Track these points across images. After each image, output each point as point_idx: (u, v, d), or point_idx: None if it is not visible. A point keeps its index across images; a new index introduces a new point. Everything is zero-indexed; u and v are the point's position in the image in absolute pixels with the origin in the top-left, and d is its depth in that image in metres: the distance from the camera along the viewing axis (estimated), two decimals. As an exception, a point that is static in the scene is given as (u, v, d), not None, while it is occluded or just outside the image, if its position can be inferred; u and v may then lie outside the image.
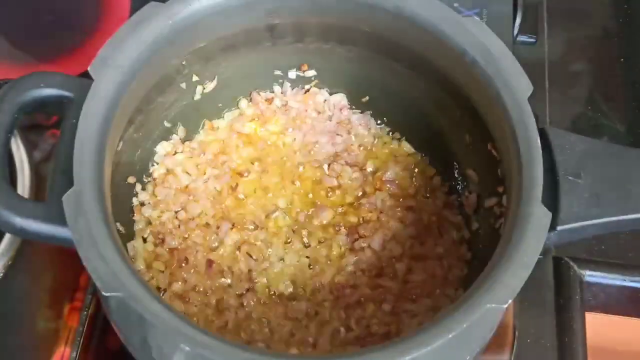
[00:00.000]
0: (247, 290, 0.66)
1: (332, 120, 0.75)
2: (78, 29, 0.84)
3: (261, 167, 0.72)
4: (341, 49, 0.71)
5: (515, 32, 0.86)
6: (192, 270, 0.66)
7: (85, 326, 0.70)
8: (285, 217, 0.70)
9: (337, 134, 0.74)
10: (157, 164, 0.71)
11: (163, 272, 0.66)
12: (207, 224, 0.69)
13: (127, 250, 0.64)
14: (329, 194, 0.71)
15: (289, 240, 0.69)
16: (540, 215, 0.53)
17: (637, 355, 0.80)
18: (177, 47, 0.64)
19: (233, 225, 0.69)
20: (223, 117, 0.75)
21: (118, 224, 0.62)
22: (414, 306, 0.65)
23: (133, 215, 0.69)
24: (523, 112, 0.56)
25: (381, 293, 0.66)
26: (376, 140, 0.75)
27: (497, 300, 0.50)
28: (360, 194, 0.72)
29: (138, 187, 0.70)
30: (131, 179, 0.69)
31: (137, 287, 0.50)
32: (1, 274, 0.60)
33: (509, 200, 0.57)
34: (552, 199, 0.55)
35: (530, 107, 0.57)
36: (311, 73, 0.75)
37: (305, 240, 0.69)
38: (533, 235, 0.52)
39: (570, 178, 0.56)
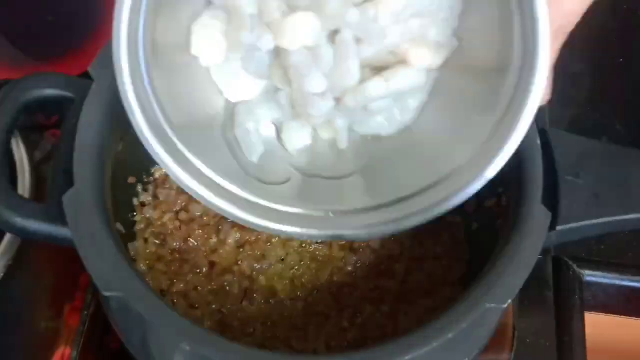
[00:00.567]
0: (247, 290, 0.66)
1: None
2: (78, 29, 0.84)
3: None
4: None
5: (515, 32, 0.86)
6: (193, 271, 0.67)
7: (86, 326, 0.70)
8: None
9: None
10: (158, 164, 0.71)
11: (165, 273, 0.66)
12: (208, 224, 0.69)
13: (128, 250, 0.64)
14: None
15: (289, 240, 0.69)
16: (540, 215, 0.53)
17: (637, 355, 0.80)
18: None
19: (234, 225, 0.69)
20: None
21: (118, 224, 0.62)
22: (413, 306, 0.65)
23: (133, 216, 0.69)
24: (523, 112, 0.56)
25: (380, 293, 0.66)
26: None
27: (497, 300, 0.50)
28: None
29: (139, 187, 0.70)
30: (132, 179, 0.69)
31: (137, 287, 0.50)
32: (1, 274, 0.60)
33: (509, 201, 0.57)
34: (551, 199, 0.55)
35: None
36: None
37: (305, 240, 0.70)
38: (533, 236, 0.52)
39: (570, 178, 0.56)
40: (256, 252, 0.68)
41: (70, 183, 0.52)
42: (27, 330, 0.69)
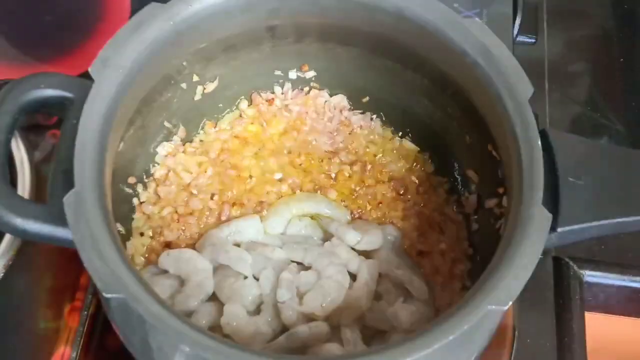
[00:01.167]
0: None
1: (332, 121, 0.75)
2: (78, 29, 0.84)
3: (261, 162, 0.73)
4: (341, 50, 0.71)
5: (515, 32, 0.86)
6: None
7: (86, 326, 0.70)
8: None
9: (337, 134, 0.74)
10: (158, 164, 0.71)
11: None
12: (207, 218, 0.70)
13: (126, 248, 0.64)
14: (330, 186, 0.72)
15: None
16: (540, 216, 0.53)
17: (637, 355, 0.80)
18: (178, 48, 0.64)
19: (233, 203, 0.70)
20: (223, 117, 0.75)
21: (118, 224, 0.63)
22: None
23: (133, 216, 0.69)
24: (524, 114, 0.56)
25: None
26: (377, 138, 0.75)
27: (498, 301, 0.50)
28: (360, 187, 0.72)
29: (139, 187, 0.70)
30: (131, 180, 0.69)
31: (137, 288, 0.50)
32: (1, 274, 0.60)
33: (510, 202, 0.57)
34: (552, 201, 0.55)
35: (530, 108, 0.57)
36: (311, 74, 0.75)
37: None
38: (533, 237, 0.52)
39: (571, 179, 0.56)
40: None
41: (70, 183, 0.52)
42: (27, 330, 0.69)
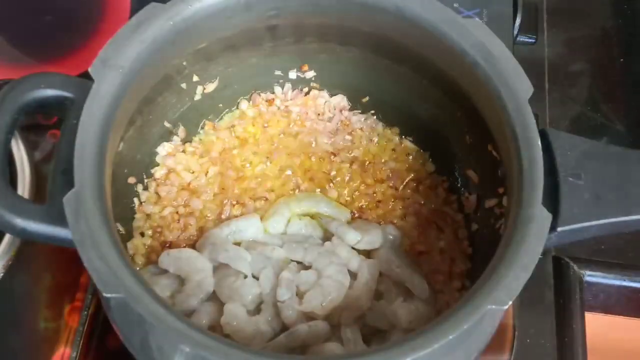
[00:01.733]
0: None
1: (332, 122, 0.75)
2: (78, 29, 0.84)
3: (261, 162, 0.73)
4: (341, 50, 0.71)
5: (515, 32, 0.86)
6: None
7: (86, 326, 0.70)
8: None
9: (337, 134, 0.74)
10: (158, 164, 0.71)
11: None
12: (207, 218, 0.70)
13: (126, 248, 0.64)
14: (330, 185, 0.72)
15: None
16: (540, 216, 0.53)
17: (637, 355, 0.80)
18: (178, 48, 0.64)
19: (234, 203, 0.70)
20: (223, 117, 0.75)
21: (118, 224, 0.63)
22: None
23: (134, 216, 0.69)
24: (523, 114, 0.56)
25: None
26: (377, 138, 0.75)
27: (498, 301, 0.50)
28: (360, 187, 0.72)
29: (139, 187, 0.70)
30: (131, 180, 0.69)
31: (137, 288, 0.50)
32: (1, 274, 0.60)
33: (509, 201, 0.57)
34: (552, 200, 0.55)
35: (530, 108, 0.57)
36: (311, 74, 0.75)
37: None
38: (533, 237, 0.52)
39: (571, 179, 0.56)
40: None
41: (70, 183, 0.52)
42: (26, 330, 0.69)
